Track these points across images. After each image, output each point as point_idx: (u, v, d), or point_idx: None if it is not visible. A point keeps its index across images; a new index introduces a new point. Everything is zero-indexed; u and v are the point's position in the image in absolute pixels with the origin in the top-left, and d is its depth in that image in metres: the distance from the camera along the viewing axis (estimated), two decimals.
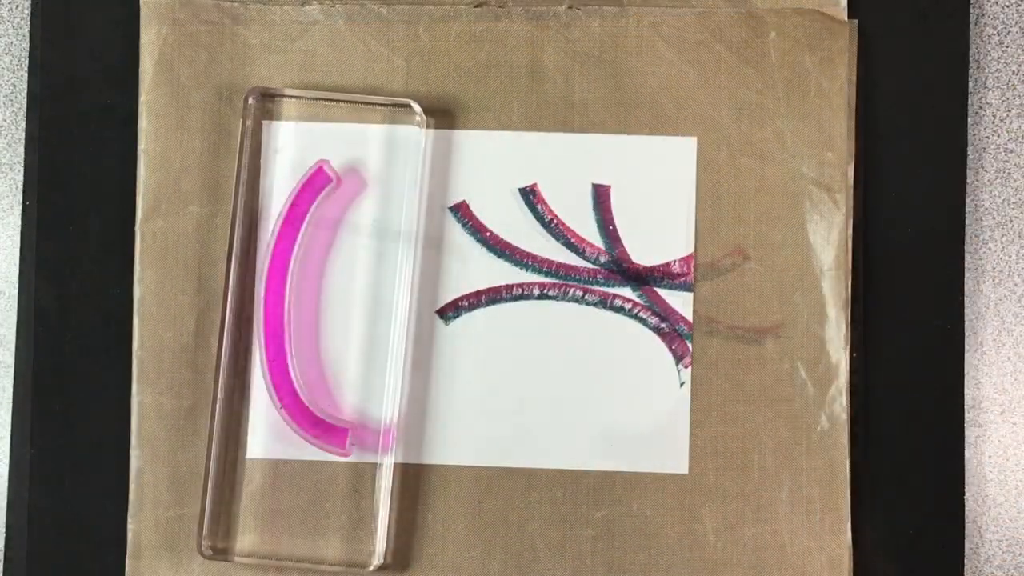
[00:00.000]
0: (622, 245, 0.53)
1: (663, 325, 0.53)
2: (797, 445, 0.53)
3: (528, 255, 0.53)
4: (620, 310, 0.53)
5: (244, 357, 0.53)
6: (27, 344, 0.54)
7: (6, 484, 0.54)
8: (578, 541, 0.53)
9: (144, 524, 0.52)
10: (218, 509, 0.52)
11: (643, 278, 0.53)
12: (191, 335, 0.53)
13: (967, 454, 0.54)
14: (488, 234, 0.53)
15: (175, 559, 0.52)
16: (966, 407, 0.54)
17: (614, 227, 0.53)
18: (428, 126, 0.53)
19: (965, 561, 0.53)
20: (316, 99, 0.53)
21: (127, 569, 0.52)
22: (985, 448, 0.55)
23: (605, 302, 0.53)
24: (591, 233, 0.53)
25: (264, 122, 0.53)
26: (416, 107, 0.52)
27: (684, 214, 0.53)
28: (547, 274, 0.53)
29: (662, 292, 0.53)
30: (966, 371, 0.54)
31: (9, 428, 0.54)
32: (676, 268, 0.53)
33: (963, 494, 0.53)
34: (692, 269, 0.53)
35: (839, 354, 0.53)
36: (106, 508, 0.53)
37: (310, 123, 0.53)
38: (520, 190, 0.53)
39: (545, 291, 0.53)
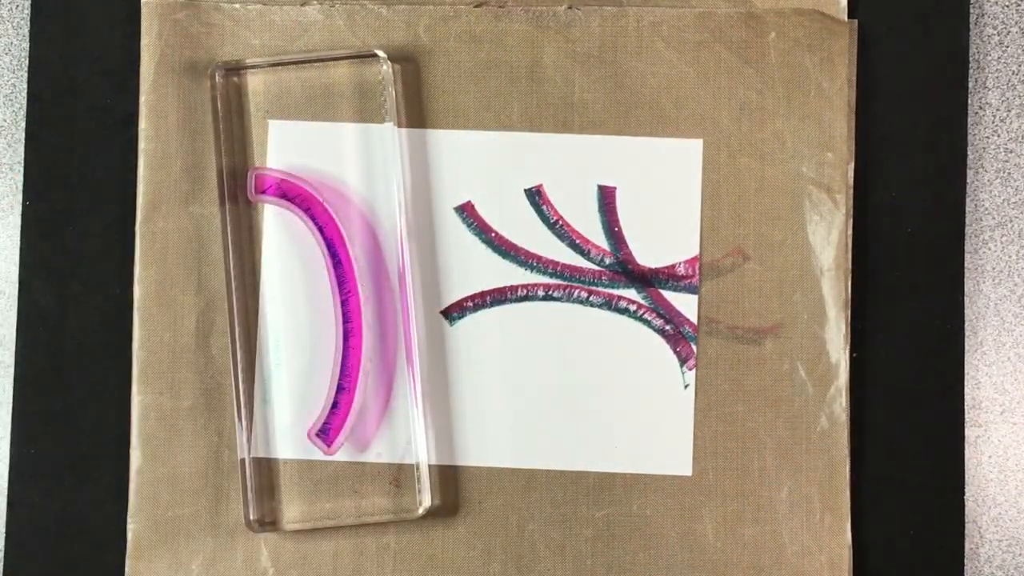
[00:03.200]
0: (627, 247, 0.53)
1: (668, 327, 0.53)
2: (797, 445, 0.53)
3: (533, 256, 0.53)
4: (625, 312, 0.53)
5: (251, 354, 0.53)
6: (27, 344, 0.54)
7: (6, 484, 0.54)
8: (578, 541, 0.53)
9: (144, 524, 0.52)
10: (260, 484, 0.52)
11: (648, 280, 0.53)
12: (191, 335, 0.53)
13: (967, 454, 0.54)
14: (493, 235, 0.53)
15: (175, 559, 0.52)
16: (966, 407, 0.54)
17: (619, 228, 0.53)
18: (428, 127, 0.53)
19: (965, 561, 0.54)
20: (278, 64, 0.52)
21: (127, 569, 0.52)
22: (985, 448, 0.55)
23: (610, 304, 0.53)
24: (596, 234, 0.53)
25: (266, 121, 0.53)
26: (382, 54, 0.52)
27: (689, 216, 0.53)
28: (552, 275, 0.53)
29: (667, 294, 0.53)
30: (966, 371, 0.54)
31: (9, 428, 0.54)
32: (681, 270, 0.53)
33: (963, 494, 0.53)
34: (697, 271, 0.53)
35: (839, 354, 0.53)
36: (106, 508, 0.53)
37: (310, 123, 0.53)
38: (526, 191, 0.53)
39: (550, 292, 0.53)
